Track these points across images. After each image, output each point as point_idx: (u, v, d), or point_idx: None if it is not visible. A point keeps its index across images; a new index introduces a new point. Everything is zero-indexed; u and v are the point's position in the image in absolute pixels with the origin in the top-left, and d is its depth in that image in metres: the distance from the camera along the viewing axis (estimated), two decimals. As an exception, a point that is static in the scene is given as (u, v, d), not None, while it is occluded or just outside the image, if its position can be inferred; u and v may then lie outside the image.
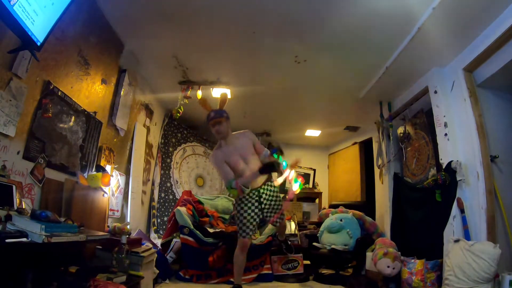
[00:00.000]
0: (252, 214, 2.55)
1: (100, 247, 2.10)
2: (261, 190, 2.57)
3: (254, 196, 2.56)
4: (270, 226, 3.60)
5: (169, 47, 3.12)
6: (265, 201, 2.57)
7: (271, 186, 2.61)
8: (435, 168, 2.98)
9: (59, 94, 2.11)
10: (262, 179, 2.56)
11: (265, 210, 2.58)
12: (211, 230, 3.32)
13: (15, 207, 1.55)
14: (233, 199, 4.39)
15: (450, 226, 2.55)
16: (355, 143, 5.55)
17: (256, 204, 2.56)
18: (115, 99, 2.96)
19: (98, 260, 2.03)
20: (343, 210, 3.92)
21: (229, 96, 3.98)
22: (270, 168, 2.39)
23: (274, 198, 2.60)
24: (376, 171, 4.45)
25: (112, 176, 2.78)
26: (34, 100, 1.89)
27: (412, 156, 3.42)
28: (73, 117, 2.28)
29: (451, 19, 2.31)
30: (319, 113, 4.76)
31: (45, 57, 1.92)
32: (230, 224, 3.77)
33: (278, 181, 2.69)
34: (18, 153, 1.77)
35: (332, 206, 4.83)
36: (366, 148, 5.29)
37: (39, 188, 1.94)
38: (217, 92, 3.94)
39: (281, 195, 2.68)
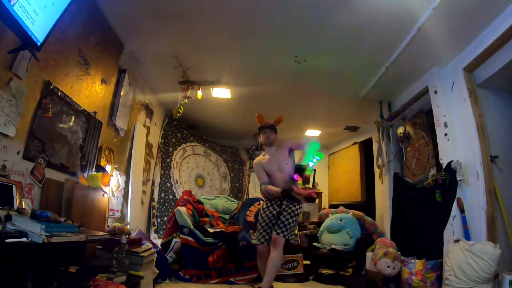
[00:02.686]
0: (267, 221, 2.65)
1: (100, 247, 2.10)
2: (283, 201, 2.65)
3: (275, 205, 2.68)
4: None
5: (169, 47, 3.12)
6: (283, 211, 2.62)
7: (291, 203, 2.64)
8: (435, 168, 2.98)
9: (59, 94, 2.11)
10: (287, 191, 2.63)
11: (279, 220, 2.60)
12: (211, 230, 3.32)
13: (15, 207, 1.55)
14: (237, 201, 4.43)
15: (450, 226, 2.55)
16: (355, 143, 5.55)
17: (274, 212, 2.65)
18: (115, 99, 2.96)
19: (98, 260, 2.03)
20: (343, 210, 3.93)
21: (228, 96, 4.04)
22: (289, 196, 2.61)
23: (289, 212, 2.60)
24: (376, 171, 4.45)
25: (112, 176, 2.78)
26: (34, 100, 1.89)
27: (412, 156, 3.42)
28: (73, 117, 2.28)
29: (451, 19, 2.31)
30: (319, 113, 4.76)
31: (45, 57, 1.92)
32: (230, 224, 3.77)
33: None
34: (18, 153, 1.77)
35: (332, 206, 4.83)
36: (366, 148, 5.29)
37: (39, 188, 1.94)
38: (217, 92, 3.95)
39: (298, 215, 2.66)
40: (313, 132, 5.54)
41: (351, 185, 5.43)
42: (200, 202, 3.76)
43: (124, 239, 1.96)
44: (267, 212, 2.68)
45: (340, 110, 4.56)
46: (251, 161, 5.84)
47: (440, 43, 2.59)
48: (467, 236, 2.39)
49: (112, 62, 2.87)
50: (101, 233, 1.96)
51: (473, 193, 2.47)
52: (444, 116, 2.79)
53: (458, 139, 2.70)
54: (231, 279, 3.05)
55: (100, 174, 2.44)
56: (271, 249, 2.51)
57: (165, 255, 3.18)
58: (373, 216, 4.31)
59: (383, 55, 2.98)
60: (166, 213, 4.36)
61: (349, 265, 3.64)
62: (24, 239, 1.25)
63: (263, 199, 3.06)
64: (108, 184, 2.55)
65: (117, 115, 2.94)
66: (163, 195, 4.48)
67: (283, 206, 2.64)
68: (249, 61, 3.33)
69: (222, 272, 3.07)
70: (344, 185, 5.67)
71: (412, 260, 2.69)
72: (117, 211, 3.05)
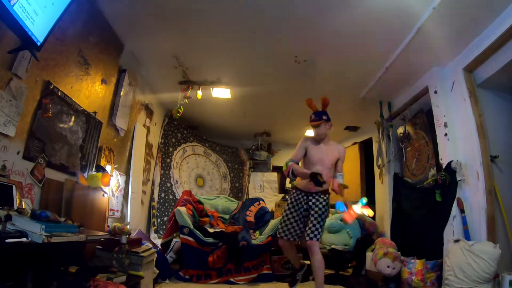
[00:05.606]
0: (296, 217, 2.49)
1: (100, 247, 2.10)
2: (310, 197, 2.49)
3: (302, 199, 2.51)
4: (269, 226, 3.61)
5: (169, 47, 3.12)
6: (312, 210, 2.44)
7: (322, 197, 2.49)
8: (435, 168, 2.97)
9: (59, 94, 2.11)
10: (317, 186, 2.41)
11: (309, 220, 2.43)
12: (211, 230, 3.32)
13: (15, 207, 1.55)
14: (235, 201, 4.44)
15: (450, 226, 2.55)
16: (355, 143, 5.55)
17: (302, 210, 2.49)
18: (115, 99, 2.96)
19: (98, 260, 2.03)
20: (343, 210, 3.92)
21: (228, 96, 4.04)
22: (316, 180, 2.24)
23: (319, 208, 2.44)
24: (376, 171, 4.45)
25: (112, 176, 2.78)
26: (34, 100, 1.89)
27: (412, 156, 3.42)
28: (73, 117, 2.28)
29: (451, 19, 2.31)
30: (319, 113, 4.74)
31: (45, 57, 1.92)
32: (230, 224, 3.77)
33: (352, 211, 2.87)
34: (18, 153, 1.77)
35: (332, 206, 4.82)
36: (366, 148, 5.29)
37: (39, 188, 1.94)
38: (217, 92, 3.95)
39: (326, 211, 2.49)
40: (313, 132, 5.52)
41: (351, 185, 5.40)
42: (200, 202, 3.76)
43: (124, 239, 1.96)
44: (296, 208, 2.50)
45: (340, 110, 4.55)
46: (251, 161, 5.84)
47: (440, 43, 2.59)
48: (467, 236, 2.39)
49: (112, 62, 2.87)
50: (101, 233, 1.96)
51: (473, 193, 2.47)
52: (444, 116, 2.79)
53: (458, 139, 2.70)
54: (231, 279, 3.05)
55: (100, 174, 2.44)
56: (310, 256, 2.34)
57: (165, 255, 3.19)
58: (373, 216, 4.30)
59: (383, 55, 2.97)
60: (166, 213, 4.36)
61: (349, 265, 3.64)
62: (24, 239, 1.25)
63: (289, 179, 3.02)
64: (108, 184, 2.55)
65: (117, 115, 2.94)
66: (163, 195, 4.48)
67: (313, 201, 2.46)
68: (249, 61, 3.33)
69: (222, 272, 3.07)
70: (344, 185, 5.66)
71: (412, 260, 2.69)
72: (117, 211, 3.05)
